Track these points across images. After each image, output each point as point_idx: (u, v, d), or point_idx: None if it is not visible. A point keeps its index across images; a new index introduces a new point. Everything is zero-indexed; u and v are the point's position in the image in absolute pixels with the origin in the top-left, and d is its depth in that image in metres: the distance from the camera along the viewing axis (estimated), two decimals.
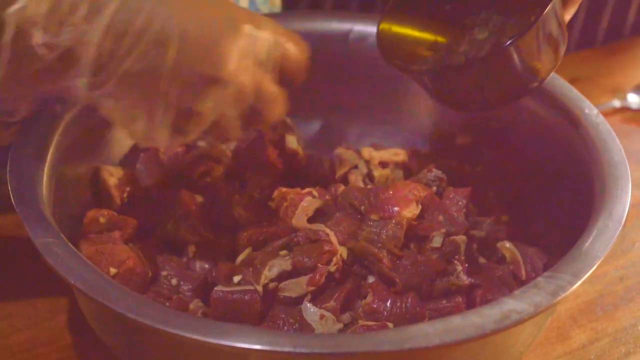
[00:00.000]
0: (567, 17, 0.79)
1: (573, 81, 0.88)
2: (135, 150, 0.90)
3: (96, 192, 0.85)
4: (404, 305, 0.74)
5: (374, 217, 0.78)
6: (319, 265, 0.74)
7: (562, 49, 0.78)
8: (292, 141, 0.91)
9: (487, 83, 0.77)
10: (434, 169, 0.86)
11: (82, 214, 0.80)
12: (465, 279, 0.76)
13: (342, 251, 0.76)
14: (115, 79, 0.65)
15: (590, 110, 0.83)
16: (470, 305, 0.75)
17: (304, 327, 0.72)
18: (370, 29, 0.94)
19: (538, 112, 0.87)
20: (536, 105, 0.87)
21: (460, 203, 0.81)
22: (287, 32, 0.74)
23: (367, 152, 0.90)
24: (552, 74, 0.81)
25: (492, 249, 0.82)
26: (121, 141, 0.89)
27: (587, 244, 0.70)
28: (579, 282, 0.66)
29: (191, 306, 0.75)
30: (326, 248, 0.75)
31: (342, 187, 0.85)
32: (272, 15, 0.90)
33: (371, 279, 0.76)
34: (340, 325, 0.73)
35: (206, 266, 0.80)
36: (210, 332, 0.61)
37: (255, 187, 0.87)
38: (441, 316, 0.72)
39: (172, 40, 0.65)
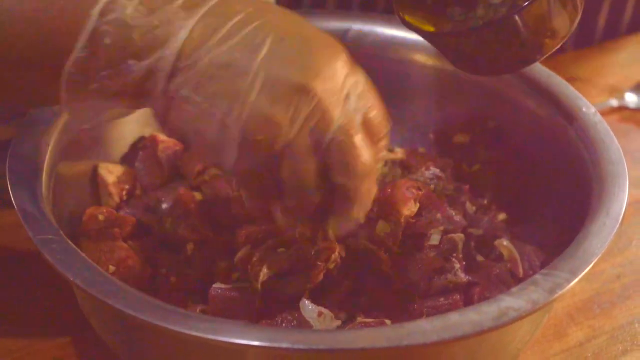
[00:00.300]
0: None
1: (571, 80, 0.88)
2: (134, 148, 0.90)
3: (95, 190, 0.85)
4: (401, 302, 0.74)
5: (372, 214, 0.78)
6: (317, 262, 0.74)
7: (580, 9, 0.77)
8: None
9: (506, 46, 0.77)
10: (431, 167, 0.86)
11: (81, 211, 0.80)
12: (463, 277, 0.76)
13: (340, 249, 0.76)
14: (200, 66, 0.63)
15: (587, 109, 0.84)
16: (468, 302, 0.76)
17: (302, 324, 0.72)
18: (369, 27, 0.94)
19: (536, 110, 0.87)
20: (534, 104, 0.87)
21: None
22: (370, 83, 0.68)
23: None
24: (548, 72, 0.82)
25: (489, 246, 0.82)
26: (120, 139, 0.89)
27: (584, 241, 0.70)
28: (576, 280, 0.66)
29: (189, 303, 0.75)
30: (324, 245, 0.75)
31: None
32: None
33: (369, 277, 0.76)
34: (338, 323, 0.73)
35: (204, 264, 0.80)
36: (209, 329, 0.61)
37: None
38: (439, 313, 0.72)
39: (267, 40, 0.63)
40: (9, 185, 0.72)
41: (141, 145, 0.89)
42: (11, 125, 0.88)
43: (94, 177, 0.85)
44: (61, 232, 0.69)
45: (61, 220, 0.73)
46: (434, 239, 0.78)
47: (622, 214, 0.72)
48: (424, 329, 0.62)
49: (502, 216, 0.86)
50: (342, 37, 0.95)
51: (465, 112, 0.91)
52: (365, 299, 0.75)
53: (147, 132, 0.90)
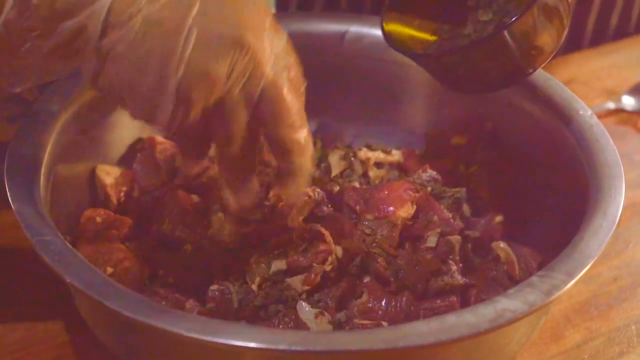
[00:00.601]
0: None
1: (568, 83, 0.88)
2: (132, 150, 0.90)
3: (93, 192, 0.85)
4: (398, 304, 0.74)
5: (369, 216, 0.79)
6: (314, 264, 0.74)
7: (566, 26, 0.77)
8: None
9: (493, 63, 0.77)
10: (428, 170, 0.86)
11: (79, 213, 0.80)
12: (459, 279, 0.77)
13: (337, 251, 0.76)
14: (132, 24, 0.63)
15: (584, 112, 0.84)
16: (465, 304, 0.76)
17: (299, 326, 0.72)
18: (366, 29, 0.95)
19: (533, 113, 0.87)
20: (531, 106, 0.87)
21: None
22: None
23: (362, 152, 0.90)
24: (545, 74, 0.82)
25: (486, 248, 0.82)
26: (118, 141, 0.89)
27: (581, 243, 0.70)
28: (573, 282, 0.67)
29: (187, 305, 0.75)
30: (321, 247, 0.75)
31: (337, 187, 0.85)
32: None
33: (366, 279, 0.77)
34: (336, 324, 0.73)
35: (202, 265, 0.80)
36: (206, 330, 0.61)
37: None
38: (436, 315, 0.72)
39: None
40: (7, 187, 0.72)
41: (139, 147, 0.89)
42: (12, 127, 0.88)
43: (92, 179, 0.85)
44: (59, 234, 0.69)
45: (59, 222, 0.73)
46: (431, 241, 0.78)
47: (618, 216, 0.72)
48: (420, 331, 0.62)
49: (499, 218, 0.86)
50: (340, 39, 0.95)
51: (462, 114, 0.92)
52: (362, 301, 0.75)
53: (144, 134, 0.90)
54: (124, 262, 0.77)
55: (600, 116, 1.00)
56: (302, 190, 0.74)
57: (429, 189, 0.83)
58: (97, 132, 0.87)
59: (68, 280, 0.65)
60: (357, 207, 0.80)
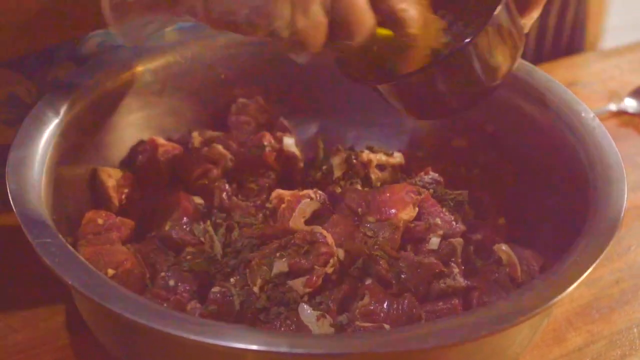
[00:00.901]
0: (529, 22, 0.79)
1: (570, 85, 0.88)
2: (133, 152, 0.90)
3: (94, 194, 0.85)
4: (400, 307, 0.74)
5: (371, 219, 0.78)
6: (315, 266, 0.74)
7: (520, 48, 0.77)
8: (289, 143, 0.91)
9: (448, 87, 0.77)
10: (430, 172, 0.86)
11: (80, 215, 0.80)
12: (461, 281, 0.76)
13: (339, 253, 0.76)
14: None
15: (586, 114, 0.84)
16: (467, 307, 0.76)
17: (300, 328, 0.72)
18: None
19: (535, 115, 0.87)
20: (532, 108, 0.87)
21: None
22: None
23: (364, 154, 0.90)
24: (547, 77, 0.81)
25: (488, 251, 0.82)
26: (119, 143, 0.89)
27: (583, 246, 0.70)
28: (575, 285, 0.66)
29: (188, 307, 0.75)
30: (323, 250, 0.75)
31: (339, 189, 0.85)
32: None
33: (368, 281, 0.76)
34: (337, 327, 0.73)
35: (203, 267, 0.80)
36: (207, 333, 0.61)
37: (253, 189, 0.87)
38: (438, 318, 0.72)
39: None
40: (8, 189, 0.72)
41: (141, 149, 0.89)
42: (11, 130, 0.88)
43: (94, 181, 0.85)
44: (60, 236, 0.69)
45: (60, 223, 0.73)
46: (433, 243, 0.78)
47: (620, 219, 0.72)
48: (422, 334, 0.62)
49: (501, 221, 0.86)
50: None
51: (464, 117, 0.91)
52: (363, 303, 0.75)
53: (146, 135, 0.90)
54: (125, 263, 0.77)
55: (603, 118, 1.00)
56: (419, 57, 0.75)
57: (431, 191, 0.83)
58: (98, 134, 0.87)
59: (69, 283, 0.65)
60: (359, 210, 0.80)
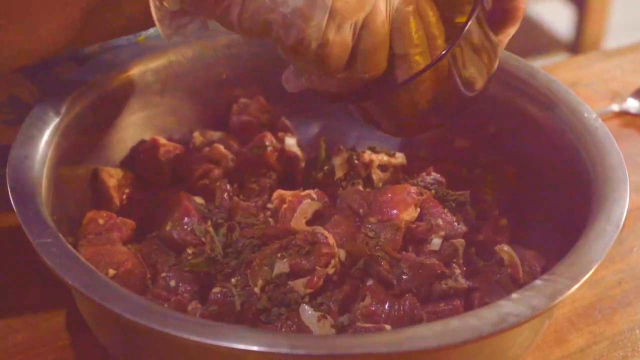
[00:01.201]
0: (505, 38, 0.79)
1: (572, 85, 0.88)
2: (134, 151, 0.90)
3: (95, 194, 0.85)
4: (401, 307, 0.74)
5: (372, 219, 0.78)
6: (317, 267, 0.74)
7: (494, 63, 0.77)
8: (291, 144, 0.91)
9: (421, 103, 0.76)
10: (432, 172, 0.86)
11: (81, 215, 0.80)
12: (463, 282, 0.76)
13: (340, 253, 0.76)
14: None
15: (589, 114, 0.83)
16: (468, 308, 0.75)
17: (301, 329, 0.72)
18: None
19: (537, 115, 0.87)
20: (535, 109, 0.87)
21: None
22: None
23: (366, 155, 0.90)
24: (549, 77, 0.81)
25: (490, 252, 0.82)
26: (120, 143, 0.89)
27: (585, 247, 0.70)
28: (577, 286, 0.66)
29: (189, 307, 0.75)
30: (324, 250, 0.75)
31: (340, 190, 0.85)
32: None
33: (369, 282, 0.76)
34: (338, 328, 0.73)
35: (204, 267, 0.80)
36: (208, 334, 0.61)
37: (254, 190, 0.87)
38: (439, 319, 0.72)
39: None
40: (9, 189, 0.72)
41: (142, 149, 0.89)
42: (12, 130, 0.88)
43: (94, 181, 0.85)
44: (60, 236, 0.69)
45: (61, 223, 0.73)
46: (435, 244, 0.78)
47: (623, 220, 0.72)
48: (423, 335, 0.62)
49: (502, 221, 0.86)
50: None
51: (466, 117, 0.91)
52: (364, 304, 0.75)
53: (147, 135, 0.90)
54: (126, 264, 0.76)
55: (605, 119, 1.00)
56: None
57: (433, 191, 0.83)
58: (99, 134, 0.87)
59: (69, 283, 0.65)
60: (361, 210, 0.80)
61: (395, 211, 0.78)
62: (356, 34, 0.70)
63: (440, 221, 0.79)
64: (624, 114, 1.16)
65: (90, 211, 0.81)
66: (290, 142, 0.91)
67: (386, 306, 0.74)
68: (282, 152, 0.90)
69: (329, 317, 0.73)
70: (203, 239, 0.81)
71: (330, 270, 0.74)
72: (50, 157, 0.77)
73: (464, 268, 0.78)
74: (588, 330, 0.86)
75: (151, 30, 0.92)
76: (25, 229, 0.68)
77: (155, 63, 0.91)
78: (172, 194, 0.85)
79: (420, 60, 0.73)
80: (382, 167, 0.90)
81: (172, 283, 0.78)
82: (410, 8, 0.71)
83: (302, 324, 0.72)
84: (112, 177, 0.86)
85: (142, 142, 0.90)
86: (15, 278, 0.87)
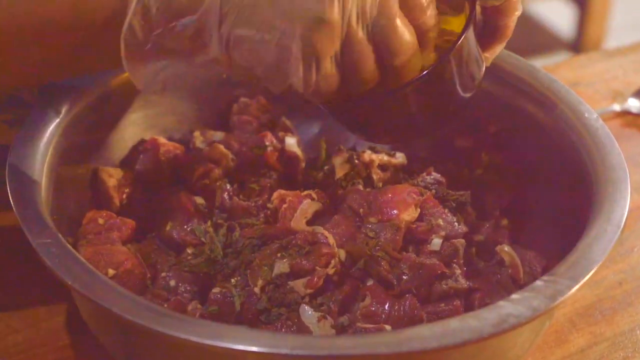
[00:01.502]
0: (491, 56, 0.79)
1: (573, 85, 0.88)
2: (134, 151, 0.90)
3: (95, 194, 0.85)
4: (402, 308, 0.74)
5: (372, 219, 0.78)
6: (317, 267, 0.74)
7: (478, 78, 0.77)
8: (291, 143, 0.91)
9: (407, 113, 0.76)
10: (432, 172, 0.86)
11: (81, 215, 0.80)
12: (463, 283, 0.76)
13: (341, 254, 0.76)
14: (241, 3, 0.66)
15: (589, 114, 0.83)
16: (469, 308, 0.75)
17: (301, 330, 0.72)
18: None
19: (537, 115, 0.87)
20: (536, 108, 0.87)
21: None
22: None
23: (366, 155, 0.90)
24: (550, 77, 0.81)
25: (491, 252, 0.82)
26: (120, 142, 0.89)
27: (585, 248, 0.70)
28: (577, 286, 0.66)
29: (189, 307, 0.75)
30: (324, 250, 0.75)
31: (341, 190, 0.85)
32: None
33: (369, 282, 0.76)
34: (338, 328, 0.73)
35: (204, 268, 0.80)
36: (207, 334, 0.61)
37: (254, 190, 0.87)
38: (439, 319, 0.72)
39: None
40: (8, 189, 0.72)
41: (142, 148, 0.89)
42: (12, 130, 0.88)
43: (94, 181, 0.85)
44: (60, 236, 0.68)
45: (60, 223, 0.73)
46: (435, 244, 0.78)
47: (624, 220, 0.72)
48: (423, 335, 0.61)
49: (503, 222, 0.86)
50: None
51: (467, 117, 0.91)
52: (364, 305, 0.75)
53: (147, 135, 0.90)
54: (126, 264, 0.76)
55: (606, 119, 1.00)
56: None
57: (433, 192, 0.83)
58: (99, 134, 0.87)
59: (69, 283, 0.65)
60: (361, 210, 0.80)
61: (395, 211, 0.78)
62: (338, 62, 0.69)
63: (440, 221, 0.79)
64: (625, 113, 1.16)
65: (90, 211, 0.81)
66: (291, 142, 0.91)
67: (386, 306, 0.74)
68: (283, 152, 0.90)
69: (329, 317, 0.72)
70: (203, 239, 0.80)
71: (331, 271, 0.74)
72: (50, 157, 0.77)
73: (465, 268, 0.78)
74: (589, 330, 0.86)
75: None
76: (24, 229, 0.68)
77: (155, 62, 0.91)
78: (172, 194, 0.85)
79: (410, 69, 0.73)
80: (383, 167, 0.90)
81: (172, 283, 0.77)
82: (387, 21, 0.70)
83: (302, 325, 0.72)
84: (112, 177, 0.85)
85: (142, 142, 0.90)
86: (15, 278, 0.87)
